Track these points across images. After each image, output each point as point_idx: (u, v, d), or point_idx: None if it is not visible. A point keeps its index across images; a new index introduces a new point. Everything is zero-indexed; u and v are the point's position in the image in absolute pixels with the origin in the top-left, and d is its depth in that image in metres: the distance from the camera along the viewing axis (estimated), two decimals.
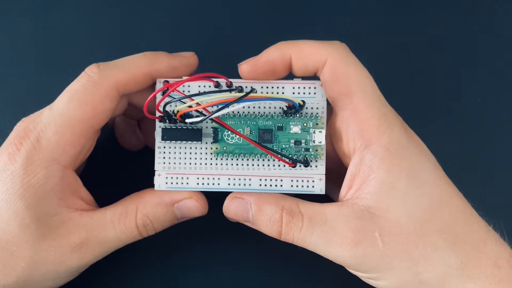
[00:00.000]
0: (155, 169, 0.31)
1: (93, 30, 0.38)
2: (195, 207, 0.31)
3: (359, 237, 0.28)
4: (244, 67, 0.30)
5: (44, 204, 0.29)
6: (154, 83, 0.31)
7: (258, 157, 0.31)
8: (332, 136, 0.31)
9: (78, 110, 0.29)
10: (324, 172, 0.31)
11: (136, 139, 0.36)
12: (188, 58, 0.32)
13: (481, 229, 0.29)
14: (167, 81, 0.31)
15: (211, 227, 0.35)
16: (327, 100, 0.31)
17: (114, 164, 0.36)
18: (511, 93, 0.38)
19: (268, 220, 0.30)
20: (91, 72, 0.30)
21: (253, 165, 0.31)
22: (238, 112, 0.31)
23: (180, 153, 0.31)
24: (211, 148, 0.31)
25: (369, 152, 0.29)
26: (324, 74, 0.30)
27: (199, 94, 0.30)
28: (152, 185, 0.31)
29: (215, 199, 0.31)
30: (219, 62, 0.36)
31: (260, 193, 0.30)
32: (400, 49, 0.39)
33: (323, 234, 0.29)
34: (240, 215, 0.30)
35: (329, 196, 0.34)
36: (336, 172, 0.32)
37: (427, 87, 0.38)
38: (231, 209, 0.30)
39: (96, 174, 0.34)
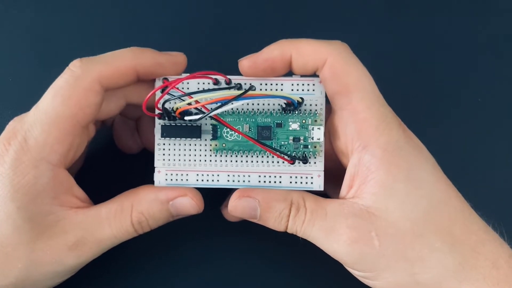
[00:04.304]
0: (155, 165, 0.31)
1: (93, 30, 0.39)
2: (190, 205, 0.30)
3: (356, 235, 0.28)
4: (244, 63, 0.30)
5: (37, 204, 0.28)
6: (143, 80, 0.31)
7: (257, 153, 0.31)
8: (330, 135, 0.32)
9: (62, 106, 0.29)
10: (322, 169, 0.31)
11: (134, 141, 0.35)
12: (176, 56, 0.31)
13: (480, 230, 0.29)
14: (166, 79, 0.31)
15: (208, 225, 0.35)
16: (326, 97, 0.31)
17: (112, 165, 0.36)
18: (511, 93, 0.38)
19: (277, 217, 0.30)
20: (73, 67, 0.29)
21: (252, 161, 0.31)
22: (237, 109, 0.31)
23: (179, 150, 0.31)
24: (210, 145, 0.31)
25: (367, 152, 0.29)
26: (324, 73, 0.30)
27: (198, 91, 0.30)
28: (149, 183, 0.31)
29: (212, 196, 0.31)
30: (218, 60, 0.36)
31: (265, 189, 0.30)
32: (400, 49, 0.39)
33: (322, 229, 0.29)
34: (248, 213, 0.30)
35: (328, 195, 0.34)
36: (334, 171, 0.32)
37: (427, 87, 0.38)
38: (238, 208, 0.30)
39: (95, 175, 0.35)
